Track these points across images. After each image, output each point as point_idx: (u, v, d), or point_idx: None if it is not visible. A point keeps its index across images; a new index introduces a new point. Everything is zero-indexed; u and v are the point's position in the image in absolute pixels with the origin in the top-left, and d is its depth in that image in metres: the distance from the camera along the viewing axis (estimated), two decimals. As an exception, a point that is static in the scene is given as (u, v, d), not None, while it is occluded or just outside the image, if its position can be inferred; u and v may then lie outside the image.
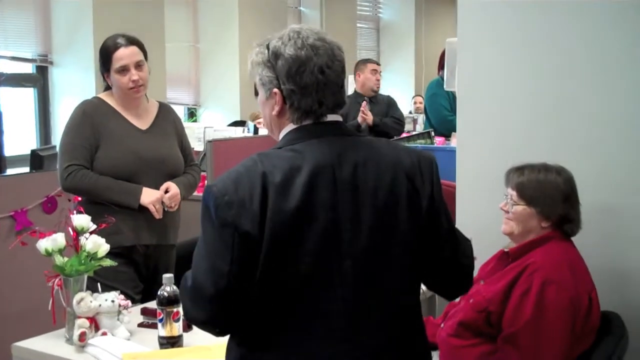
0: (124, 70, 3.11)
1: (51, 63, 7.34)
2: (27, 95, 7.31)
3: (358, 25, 11.75)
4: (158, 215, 3.10)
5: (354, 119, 5.63)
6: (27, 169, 5.29)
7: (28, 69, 7.30)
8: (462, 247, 1.91)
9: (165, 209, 3.14)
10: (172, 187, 3.16)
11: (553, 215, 2.52)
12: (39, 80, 7.21)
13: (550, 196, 2.51)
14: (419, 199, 1.79)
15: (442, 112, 5.88)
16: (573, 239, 2.57)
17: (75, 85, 7.17)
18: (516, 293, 2.44)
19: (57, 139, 7.00)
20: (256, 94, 1.86)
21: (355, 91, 5.99)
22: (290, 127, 1.78)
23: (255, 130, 6.60)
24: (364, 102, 5.73)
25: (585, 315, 2.42)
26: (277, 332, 1.72)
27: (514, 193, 2.56)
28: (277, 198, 1.66)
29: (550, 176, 2.54)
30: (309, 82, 1.73)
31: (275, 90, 1.76)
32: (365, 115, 5.65)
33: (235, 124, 7.39)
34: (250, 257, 1.66)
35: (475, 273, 2.68)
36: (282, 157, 1.71)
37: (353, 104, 5.73)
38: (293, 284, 1.69)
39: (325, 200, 1.69)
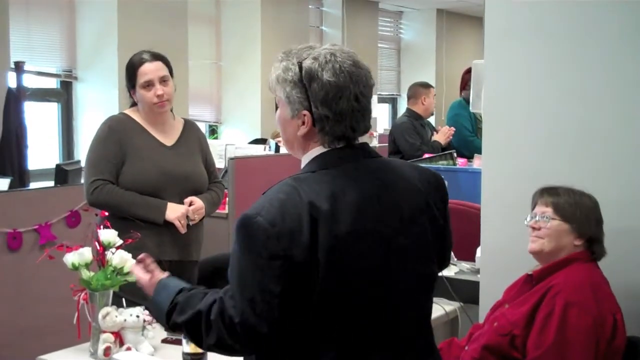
0: (148, 85, 3.13)
1: (75, 78, 7.42)
2: (51, 110, 7.38)
3: (379, 45, 11.78)
4: (183, 230, 3.12)
5: (406, 138, 5.72)
6: (51, 183, 5.34)
7: (52, 84, 7.38)
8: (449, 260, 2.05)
9: (189, 223, 3.15)
10: (197, 200, 3.18)
11: (586, 235, 2.53)
12: (63, 95, 7.30)
13: (585, 215, 2.54)
14: (440, 218, 1.84)
15: (464, 133, 5.88)
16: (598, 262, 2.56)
17: (98, 100, 7.24)
18: (540, 316, 2.44)
19: (80, 153, 7.07)
20: (276, 108, 1.83)
21: (414, 113, 5.97)
22: (320, 149, 1.76)
23: (277, 148, 6.62)
24: (449, 127, 5.85)
25: (609, 336, 2.41)
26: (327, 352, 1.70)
27: (548, 210, 2.56)
28: (327, 225, 1.63)
29: (584, 198, 2.57)
30: (344, 109, 1.70)
31: (305, 112, 1.73)
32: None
33: (256, 141, 7.42)
34: (301, 287, 1.62)
35: (500, 296, 2.68)
36: (322, 182, 1.68)
37: (417, 127, 5.85)
38: (347, 310, 1.68)
39: (373, 224, 1.69)
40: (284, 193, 1.66)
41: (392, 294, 1.73)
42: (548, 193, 2.60)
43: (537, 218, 2.58)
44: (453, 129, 5.85)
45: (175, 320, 1.76)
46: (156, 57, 3.18)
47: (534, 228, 2.58)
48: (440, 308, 3.08)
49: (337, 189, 1.67)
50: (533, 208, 2.62)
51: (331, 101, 1.70)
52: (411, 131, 5.78)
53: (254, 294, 1.61)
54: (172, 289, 1.82)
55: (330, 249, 1.62)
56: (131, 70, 3.16)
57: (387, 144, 6.11)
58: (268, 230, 1.61)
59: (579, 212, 2.54)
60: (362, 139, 1.81)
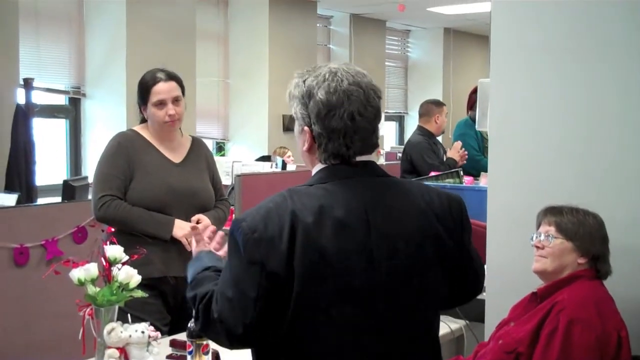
0: (161, 104, 3.15)
1: (84, 95, 7.46)
2: (60, 127, 7.42)
3: (386, 63, 11.82)
4: (190, 248, 3.11)
5: (425, 159, 5.70)
6: (58, 199, 5.36)
7: (61, 100, 7.42)
8: (482, 276, 2.01)
9: (197, 241, 3.16)
10: (204, 218, 3.18)
11: (590, 253, 2.52)
12: (71, 111, 7.33)
13: (589, 233, 2.53)
14: (450, 241, 1.80)
15: (470, 152, 5.88)
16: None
17: (106, 117, 7.28)
18: (544, 333, 2.43)
19: (87, 169, 7.10)
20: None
21: (427, 131, 5.96)
22: (320, 165, 1.79)
23: (284, 165, 6.63)
24: (460, 143, 5.82)
25: (614, 354, 2.39)
26: None
27: (551, 229, 2.56)
28: (307, 237, 1.65)
29: (588, 217, 2.56)
30: (336, 127, 1.72)
31: (306, 128, 1.76)
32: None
33: (263, 158, 7.43)
34: (276, 295, 1.65)
35: (506, 314, 2.67)
36: (313, 196, 1.71)
37: (432, 145, 5.84)
38: (323, 325, 1.68)
39: (357, 241, 1.69)
40: (273, 202, 1.71)
41: (373, 313, 1.71)
42: (551, 213, 2.60)
43: (540, 237, 2.58)
44: (463, 148, 5.83)
45: (187, 294, 1.86)
46: (171, 77, 3.19)
47: (537, 247, 2.58)
48: (445, 326, 3.07)
49: (326, 204, 1.69)
50: (538, 228, 2.62)
51: (324, 118, 1.73)
52: (429, 151, 5.77)
53: (233, 295, 1.68)
54: (202, 263, 1.94)
55: (308, 261, 1.64)
56: (144, 88, 3.17)
57: (394, 162, 6.11)
58: (248, 236, 1.66)
59: (582, 230, 2.53)
60: (369, 158, 1.81)
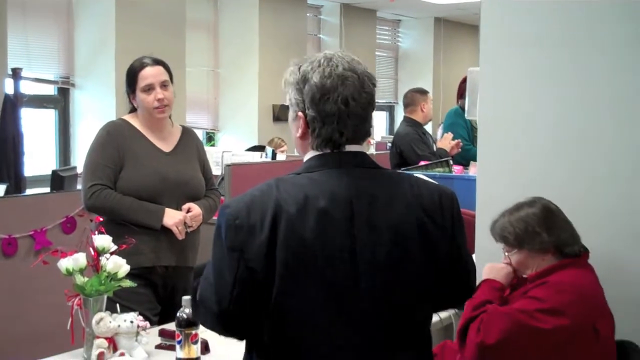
0: (149, 89, 3.14)
1: (73, 85, 7.43)
2: (49, 117, 7.39)
3: (377, 53, 11.81)
4: (181, 236, 3.12)
5: (415, 150, 5.64)
6: (47, 189, 5.34)
7: (50, 90, 7.39)
8: (473, 277, 1.95)
9: (187, 230, 3.16)
10: (194, 207, 3.18)
11: (546, 246, 2.49)
12: (60, 101, 7.32)
13: (530, 230, 2.49)
14: (439, 235, 1.79)
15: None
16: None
17: (95, 107, 7.25)
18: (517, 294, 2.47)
19: (76, 160, 7.08)
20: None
21: (415, 121, 5.87)
22: (312, 153, 1.79)
23: (274, 155, 6.63)
24: (451, 135, 5.73)
25: (587, 343, 2.38)
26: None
27: (502, 246, 2.58)
28: (289, 228, 1.65)
29: (522, 212, 2.53)
30: (330, 112, 1.73)
31: (300, 113, 1.77)
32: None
33: (254, 148, 7.42)
34: (254, 283, 1.66)
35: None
36: (298, 185, 1.71)
37: (421, 135, 5.75)
38: (305, 315, 1.69)
39: (341, 231, 1.69)
40: (259, 190, 1.72)
41: (355, 305, 1.71)
42: (492, 230, 2.60)
43: (504, 255, 2.60)
44: (453, 136, 5.80)
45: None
46: (157, 62, 3.19)
47: (508, 264, 2.59)
48: (434, 315, 3.07)
49: (311, 194, 1.69)
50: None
51: (318, 102, 1.73)
52: (419, 142, 5.68)
53: (214, 280, 1.71)
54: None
55: (290, 250, 1.65)
56: (132, 74, 3.17)
57: (383, 152, 6.07)
58: (230, 222, 1.68)
59: (522, 230, 2.50)
60: (360, 149, 1.81)
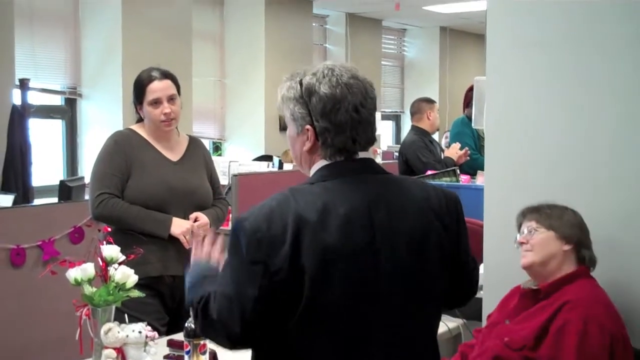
0: (156, 103, 3.14)
1: (80, 95, 7.45)
2: (56, 127, 7.41)
3: (382, 62, 11.83)
4: (188, 246, 3.12)
5: (420, 157, 5.66)
6: (54, 199, 5.36)
7: (57, 101, 7.41)
8: (476, 277, 2.00)
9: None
10: (202, 216, 3.18)
11: (572, 239, 2.56)
12: (67, 112, 7.35)
13: (567, 220, 2.59)
14: (447, 238, 1.82)
15: (467, 150, 5.87)
16: (599, 281, 2.56)
17: (102, 117, 7.27)
18: (553, 329, 2.44)
19: (84, 170, 7.09)
20: (284, 128, 1.87)
21: (421, 130, 5.92)
22: (322, 162, 1.78)
23: (280, 165, 6.63)
24: (458, 144, 5.77)
25: (622, 352, 2.42)
26: None
27: (532, 223, 2.61)
28: (312, 237, 1.65)
29: (567, 211, 2.63)
30: (343, 120, 1.73)
31: (308, 126, 1.76)
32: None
33: (261, 158, 7.43)
34: (278, 295, 1.65)
35: (491, 309, 2.69)
36: (316, 194, 1.71)
37: (427, 144, 5.80)
38: (330, 323, 1.69)
39: (362, 238, 1.70)
40: (276, 201, 1.71)
41: (380, 310, 1.72)
42: (530, 211, 2.66)
43: (523, 233, 2.62)
44: (461, 146, 5.81)
45: (187, 297, 1.87)
46: (165, 75, 3.19)
47: (522, 243, 2.61)
48: (443, 325, 3.07)
49: (330, 201, 1.69)
50: (519, 229, 2.66)
51: (329, 113, 1.73)
52: (424, 149, 5.73)
53: (232, 295, 1.68)
54: (200, 269, 1.92)
55: (316, 259, 1.64)
56: (139, 87, 3.17)
57: (390, 161, 6.08)
58: (251, 236, 1.67)
59: (561, 220, 2.59)
60: (367, 156, 1.82)
